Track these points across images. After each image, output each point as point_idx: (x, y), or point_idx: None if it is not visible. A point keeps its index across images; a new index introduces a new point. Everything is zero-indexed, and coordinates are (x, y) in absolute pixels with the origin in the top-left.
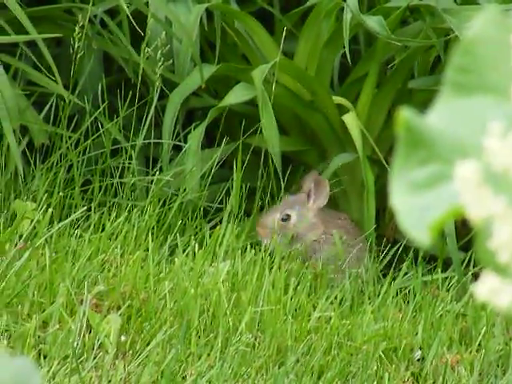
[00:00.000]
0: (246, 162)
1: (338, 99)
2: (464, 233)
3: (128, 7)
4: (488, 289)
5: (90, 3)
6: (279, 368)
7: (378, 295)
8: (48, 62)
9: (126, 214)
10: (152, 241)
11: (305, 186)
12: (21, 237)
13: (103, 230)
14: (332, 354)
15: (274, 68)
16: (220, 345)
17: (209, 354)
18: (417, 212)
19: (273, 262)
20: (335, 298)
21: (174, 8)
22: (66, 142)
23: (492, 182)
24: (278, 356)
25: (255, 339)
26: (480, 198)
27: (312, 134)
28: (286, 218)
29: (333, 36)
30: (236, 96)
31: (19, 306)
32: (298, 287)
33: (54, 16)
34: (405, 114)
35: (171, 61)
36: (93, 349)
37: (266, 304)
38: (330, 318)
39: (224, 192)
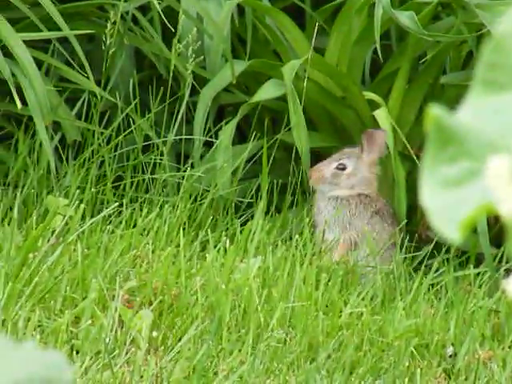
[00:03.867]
0: (278, 158)
1: (369, 95)
2: (497, 228)
3: (159, 3)
4: None
5: (122, 0)
6: (310, 364)
7: (410, 291)
8: (80, 58)
9: (158, 209)
10: (183, 236)
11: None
12: (53, 232)
13: (135, 225)
14: (363, 350)
15: (305, 64)
16: (251, 341)
17: (240, 350)
18: (447, 209)
19: (304, 257)
20: (366, 293)
21: (205, 4)
22: (98, 138)
23: None
24: (310, 352)
25: (286, 335)
26: (511, 194)
27: (343, 130)
28: (342, 168)
29: (364, 31)
30: (267, 92)
31: (52, 302)
32: (329, 283)
33: (86, 12)
34: (434, 111)
35: (202, 57)
36: (125, 344)
37: (297, 300)
38: (362, 314)
39: (255, 188)
